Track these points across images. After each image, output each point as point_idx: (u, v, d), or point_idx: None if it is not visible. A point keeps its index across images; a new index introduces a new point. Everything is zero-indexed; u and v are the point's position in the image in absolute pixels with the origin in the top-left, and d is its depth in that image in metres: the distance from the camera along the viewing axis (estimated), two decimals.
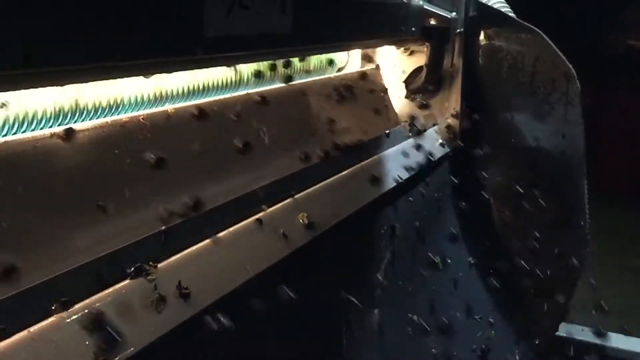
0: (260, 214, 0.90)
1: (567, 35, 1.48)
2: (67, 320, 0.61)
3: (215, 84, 1.01)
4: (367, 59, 1.51)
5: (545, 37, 1.40)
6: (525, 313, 1.49)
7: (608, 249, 3.43)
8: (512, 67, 1.47)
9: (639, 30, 4.89)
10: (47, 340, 0.58)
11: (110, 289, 0.67)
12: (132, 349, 0.63)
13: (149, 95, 0.88)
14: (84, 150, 0.76)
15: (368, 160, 1.22)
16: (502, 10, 1.51)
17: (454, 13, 1.48)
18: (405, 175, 1.26)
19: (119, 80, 0.81)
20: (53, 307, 0.61)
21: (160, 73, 0.84)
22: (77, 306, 0.62)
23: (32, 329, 0.59)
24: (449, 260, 1.39)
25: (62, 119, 0.76)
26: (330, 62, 1.31)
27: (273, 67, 1.09)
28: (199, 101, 0.97)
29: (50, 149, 0.72)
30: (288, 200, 0.97)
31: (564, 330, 1.55)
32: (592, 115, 1.46)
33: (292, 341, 0.92)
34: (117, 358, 0.62)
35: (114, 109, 0.83)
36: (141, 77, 0.84)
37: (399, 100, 1.56)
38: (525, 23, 1.44)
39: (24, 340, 0.58)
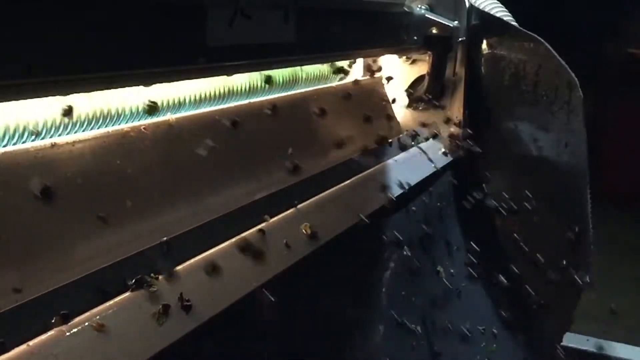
0: (263, 224, 0.89)
1: (568, 43, 1.48)
2: (67, 334, 0.60)
3: (217, 93, 1.00)
4: (369, 67, 1.50)
5: (547, 45, 1.39)
6: (530, 324, 1.47)
7: (611, 258, 3.42)
8: (515, 76, 1.47)
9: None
10: (47, 355, 0.57)
11: (111, 302, 0.66)
12: None
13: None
14: (85, 160, 0.75)
15: (370, 169, 1.22)
16: (505, 18, 1.51)
17: (456, 22, 1.48)
18: (408, 184, 1.25)
19: (120, 89, 0.80)
20: (53, 321, 0.60)
21: (163, 82, 0.83)
22: (77, 319, 0.61)
23: (32, 342, 0.57)
24: (452, 271, 1.38)
25: (63, 129, 0.75)
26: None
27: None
28: (202, 110, 0.97)
29: (51, 160, 0.71)
30: (291, 210, 0.96)
31: (568, 340, 1.54)
32: (593, 123, 1.45)
33: (295, 352, 0.91)
34: None
35: (115, 118, 0.83)
36: (142, 87, 0.83)
37: (401, 109, 1.56)
38: (528, 32, 1.43)
39: (24, 354, 0.56)
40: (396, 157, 1.31)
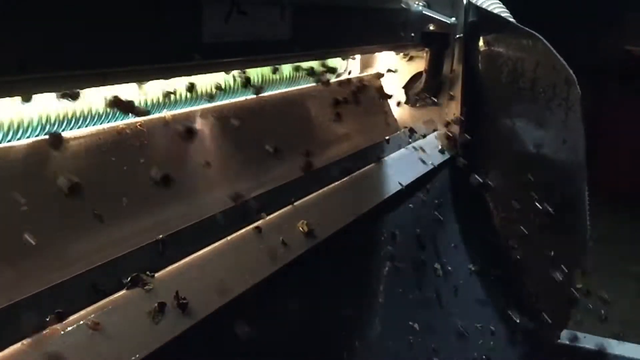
0: (260, 222, 0.88)
1: (565, 40, 1.47)
2: (62, 332, 0.59)
3: (213, 89, 1.00)
4: (366, 64, 1.50)
5: (545, 42, 1.39)
6: (527, 321, 1.48)
7: (609, 255, 3.42)
8: (512, 73, 1.46)
9: (637, 36, 4.90)
10: (41, 353, 0.57)
11: (107, 300, 0.65)
12: None
13: (146, 102, 0.87)
14: (80, 157, 0.75)
15: (368, 167, 1.21)
16: (502, 15, 1.51)
17: (454, 18, 1.48)
18: (405, 181, 1.25)
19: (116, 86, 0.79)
20: (47, 319, 0.60)
21: (158, 79, 0.83)
22: (72, 317, 0.61)
23: (26, 341, 0.57)
24: (449, 267, 1.38)
25: (58, 125, 0.75)
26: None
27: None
28: (197, 107, 0.96)
29: (46, 156, 0.71)
30: (288, 207, 0.96)
31: (566, 337, 1.54)
32: (590, 120, 1.45)
33: (291, 351, 0.91)
34: None
35: (110, 115, 0.82)
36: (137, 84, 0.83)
37: (398, 106, 1.55)
38: (526, 28, 1.43)
39: (18, 353, 0.56)
40: (393, 155, 1.31)
